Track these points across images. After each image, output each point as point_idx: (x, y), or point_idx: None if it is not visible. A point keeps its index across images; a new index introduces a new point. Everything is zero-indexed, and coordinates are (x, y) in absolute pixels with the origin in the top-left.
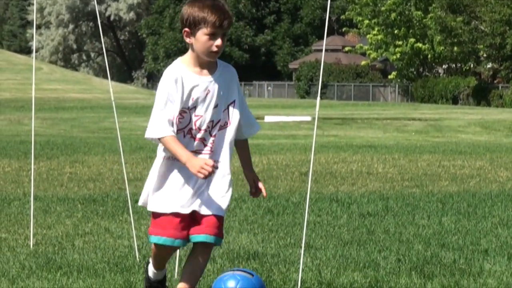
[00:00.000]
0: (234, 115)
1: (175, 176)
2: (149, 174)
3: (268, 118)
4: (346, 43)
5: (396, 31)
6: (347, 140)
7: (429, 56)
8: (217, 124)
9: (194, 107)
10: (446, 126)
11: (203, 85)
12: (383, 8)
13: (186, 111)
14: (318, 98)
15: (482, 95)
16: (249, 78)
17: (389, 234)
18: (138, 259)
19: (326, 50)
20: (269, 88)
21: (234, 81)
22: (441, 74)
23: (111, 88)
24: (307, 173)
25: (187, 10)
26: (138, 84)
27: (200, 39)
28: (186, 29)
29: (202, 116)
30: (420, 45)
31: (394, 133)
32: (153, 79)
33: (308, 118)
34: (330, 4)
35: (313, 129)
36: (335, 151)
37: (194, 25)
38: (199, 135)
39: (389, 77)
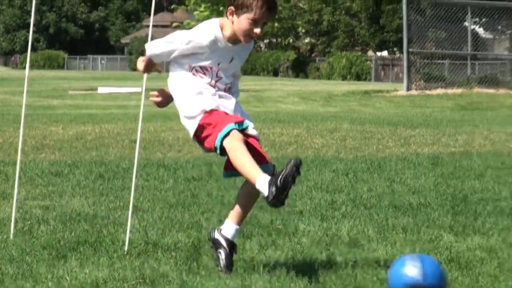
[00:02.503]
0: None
1: None
2: None
3: (102, 90)
4: (174, 19)
5: (221, 8)
6: (176, 109)
7: None
8: (228, 87)
9: (217, 73)
10: (267, 97)
11: (230, 54)
12: None
13: (209, 70)
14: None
15: (300, 68)
16: (84, 52)
17: (212, 198)
18: None
19: (156, 26)
20: (103, 61)
21: (248, 53)
22: (263, 49)
23: None
24: (136, 140)
25: None
26: None
27: (242, 22)
28: (232, 7)
29: (223, 79)
30: None
31: None
32: None
33: (139, 89)
34: None
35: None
36: (164, 120)
37: (240, 7)
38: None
39: None
